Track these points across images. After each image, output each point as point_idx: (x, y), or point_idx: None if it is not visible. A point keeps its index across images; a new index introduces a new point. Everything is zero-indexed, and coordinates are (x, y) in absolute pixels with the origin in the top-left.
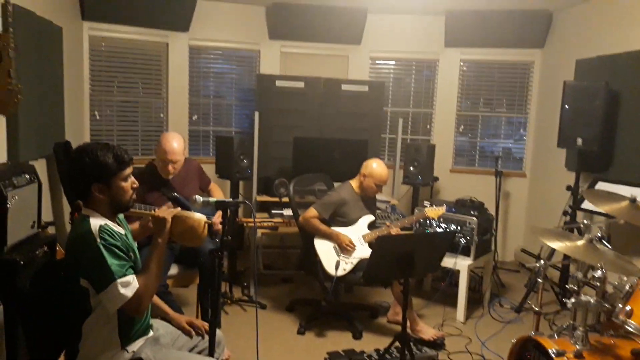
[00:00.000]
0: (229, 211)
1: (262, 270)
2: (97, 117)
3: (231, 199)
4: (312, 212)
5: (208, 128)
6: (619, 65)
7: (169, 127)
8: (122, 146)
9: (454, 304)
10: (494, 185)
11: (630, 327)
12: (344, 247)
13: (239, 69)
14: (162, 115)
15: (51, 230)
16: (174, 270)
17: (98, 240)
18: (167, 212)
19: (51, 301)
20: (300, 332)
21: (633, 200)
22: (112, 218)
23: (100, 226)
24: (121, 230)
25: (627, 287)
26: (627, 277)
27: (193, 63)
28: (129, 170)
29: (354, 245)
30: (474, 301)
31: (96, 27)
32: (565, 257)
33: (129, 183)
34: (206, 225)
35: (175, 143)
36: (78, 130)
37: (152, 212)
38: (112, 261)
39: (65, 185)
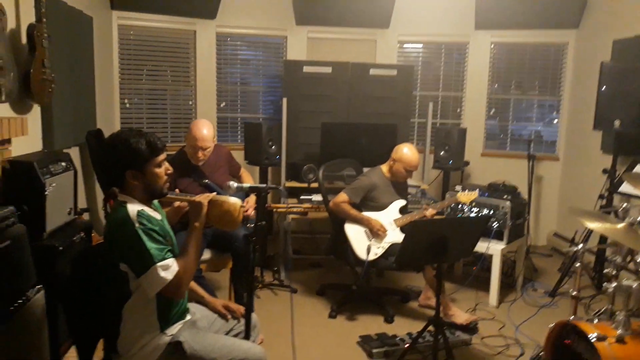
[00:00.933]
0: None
1: (292, 255)
2: (127, 106)
3: (264, 185)
4: (342, 196)
5: (236, 115)
6: None
7: (198, 114)
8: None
9: (486, 288)
10: (525, 169)
11: None
12: (376, 232)
13: (265, 55)
14: (190, 102)
15: (85, 216)
16: (206, 255)
17: (136, 224)
18: (203, 196)
19: (91, 286)
20: (332, 316)
21: None
22: (148, 204)
23: (138, 211)
24: (157, 216)
25: None
26: None
27: (220, 50)
28: (162, 156)
29: (386, 230)
30: (507, 286)
31: (125, 16)
32: (602, 241)
33: (163, 169)
34: (242, 209)
35: (205, 130)
36: (109, 119)
37: (189, 197)
38: (151, 245)
39: (98, 173)
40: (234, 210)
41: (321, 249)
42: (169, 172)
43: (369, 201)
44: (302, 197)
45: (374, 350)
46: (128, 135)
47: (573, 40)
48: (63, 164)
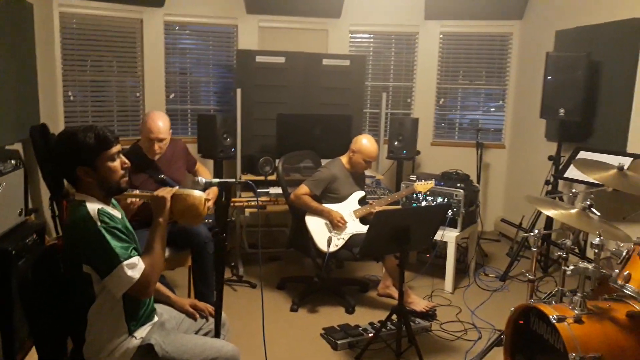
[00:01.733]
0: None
1: (247, 249)
2: (72, 98)
3: (234, 179)
4: (303, 189)
5: (186, 106)
6: (599, 36)
7: (146, 106)
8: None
9: (440, 275)
10: (474, 157)
11: (629, 290)
12: (336, 224)
13: (215, 45)
14: (138, 94)
15: (33, 217)
16: (165, 252)
17: (98, 223)
18: (166, 190)
19: (53, 290)
20: (294, 310)
21: (621, 168)
22: (107, 202)
23: (99, 209)
24: (118, 214)
25: (624, 253)
26: (622, 243)
27: (169, 39)
28: (115, 148)
29: (346, 222)
30: (460, 271)
31: (66, 3)
32: (547, 226)
33: (118, 163)
34: (207, 202)
35: (161, 122)
36: (53, 113)
37: (149, 192)
38: (115, 244)
39: (43, 170)
40: (199, 204)
41: (278, 243)
42: (125, 165)
43: (330, 193)
44: (258, 190)
45: (339, 342)
46: (76, 130)
47: (517, 30)
48: (12, 161)
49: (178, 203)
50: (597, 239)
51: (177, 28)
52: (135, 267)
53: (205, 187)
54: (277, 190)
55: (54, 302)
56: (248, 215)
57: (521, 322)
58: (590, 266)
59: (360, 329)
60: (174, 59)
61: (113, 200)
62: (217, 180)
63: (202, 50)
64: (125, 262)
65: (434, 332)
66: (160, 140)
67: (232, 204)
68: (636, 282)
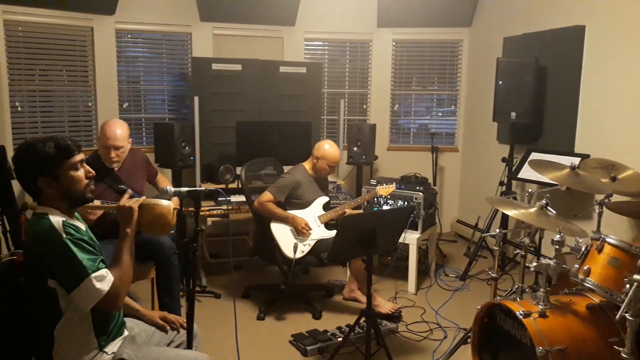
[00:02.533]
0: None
1: (209, 259)
2: (19, 109)
3: (204, 188)
4: (267, 195)
5: (140, 115)
6: (545, 42)
7: (98, 116)
8: None
9: (403, 277)
10: (430, 161)
11: (589, 284)
12: (300, 230)
13: (169, 53)
14: (90, 104)
15: None
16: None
17: (64, 235)
18: (133, 200)
19: (14, 309)
20: (260, 318)
21: (573, 168)
22: (70, 214)
23: (63, 221)
24: (82, 226)
25: (583, 248)
26: (581, 238)
27: (121, 47)
28: (77, 157)
29: (310, 228)
30: (421, 272)
31: (11, 10)
32: (503, 225)
33: (82, 172)
34: (175, 212)
35: (119, 130)
36: None
37: (114, 204)
38: (82, 256)
39: None
40: (168, 214)
41: (240, 251)
42: (90, 174)
43: (294, 199)
44: (220, 198)
45: (309, 348)
46: (35, 141)
47: (467, 37)
48: None
49: (146, 213)
50: (558, 236)
51: (129, 36)
52: (104, 279)
53: (174, 197)
54: (239, 198)
55: (16, 322)
56: (210, 225)
57: (485, 320)
58: (552, 262)
59: (328, 333)
60: (126, 68)
61: (76, 214)
62: (186, 189)
63: (155, 58)
64: (93, 275)
65: (401, 334)
66: (117, 147)
67: (190, 214)
68: (596, 275)
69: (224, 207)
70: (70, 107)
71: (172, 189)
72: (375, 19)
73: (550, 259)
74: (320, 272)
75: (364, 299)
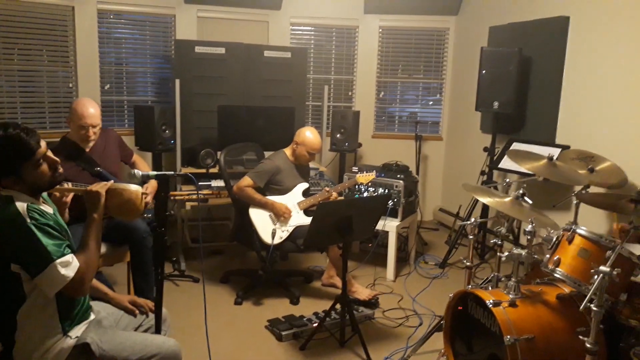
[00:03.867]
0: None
1: (190, 244)
2: None
3: (173, 172)
4: (246, 180)
5: (122, 97)
6: (530, 32)
7: (79, 97)
8: (28, 119)
9: (383, 264)
10: (413, 149)
11: (558, 274)
12: (281, 215)
13: (153, 35)
14: (70, 85)
15: None
16: (102, 249)
17: (28, 220)
18: (100, 185)
19: None
20: (238, 303)
21: (550, 159)
22: (37, 197)
23: (28, 205)
24: (49, 209)
25: (554, 239)
26: (553, 229)
27: (102, 28)
28: (39, 153)
29: (290, 213)
30: (401, 260)
31: None
32: (483, 214)
33: (45, 166)
34: (144, 196)
35: (92, 108)
36: None
37: (84, 187)
38: (47, 241)
39: None
40: (136, 199)
41: (221, 236)
42: (55, 164)
43: (273, 185)
44: (200, 183)
45: (283, 333)
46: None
47: (453, 26)
48: None
49: (114, 198)
50: (530, 226)
51: (111, 17)
52: (69, 265)
53: (142, 181)
54: (219, 183)
55: None
56: (189, 209)
57: (460, 307)
58: (523, 252)
59: (304, 319)
60: (108, 49)
61: (44, 195)
62: (155, 172)
63: (138, 40)
64: (58, 261)
65: (377, 320)
66: (94, 125)
67: (172, 198)
68: (565, 266)
69: (203, 191)
70: (50, 87)
71: (141, 172)
72: (362, 4)
73: (523, 248)
74: (300, 258)
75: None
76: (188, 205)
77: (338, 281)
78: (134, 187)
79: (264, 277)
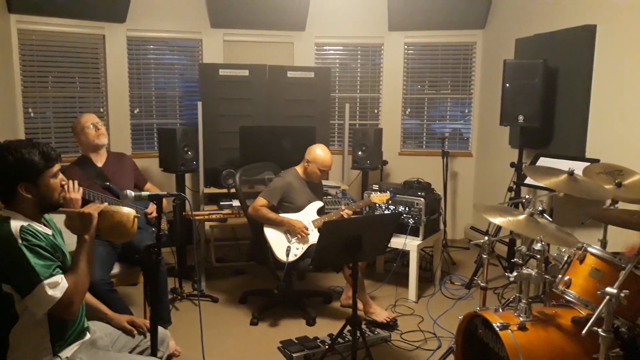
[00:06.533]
0: (171, 205)
1: (215, 263)
2: (32, 115)
3: (165, 192)
4: (260, 201)
5: (151, 121)
6: (556, 43)
7: (110, 121)
8: (61, 144)
9: (406, 284)
10: (441, 166)
11: (569, 296)
12: (298, 232)
13: (181, 59)
14: (102, 109)
15: None
16: (116, 269)
17: (19, 241)
18: (93, 207)
19: None
20: (254, 323)
21: (571, 173)
22: (38, 218)
23: (22, 227)
24: (47, 231)
25: (565, 258)
26: (565, 248)
27: (132, 54)
28: (57, 167)
29: (308, 230)
30: (426, 280)
31: (25, 20)
32: (512, 231)
33: (58, 180)
34: (136, 219)
35: (91, 114)
36: (11, 129)
37: (77, 210)
38: (36, 262)
39: None
40: (127, 222)
41: (244, 256)
42: (63, 183)
43: (285, 202)
44: (222, 203)
45: (294, 355)
46: (19, 145)
47: (480, 40)
48: None
49: (105, 220)
50: (539, 244)
51: (140, 43)
52: (57, 286)
53: (134, 200)
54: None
55: None
56: (215, 229)
57: (480, 331)
58: (533, 272)
59: (318, 341)
60: (138, 74)
61: (47, 216)
62: (147, 193)
63: (167, 65)
64: (46, 281)
65: (393, 343)
66: (97, 122)
67: (192, 218)
68: (576, 287)
69: (223, 211)
70: (83, 112)
71: (132, 193)
72: (387, 22)
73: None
74: (320, 278)
75: (362, 306)
76: (207, 225)
77: (357, 302)
78: (125, 210)
79: (280, 297)
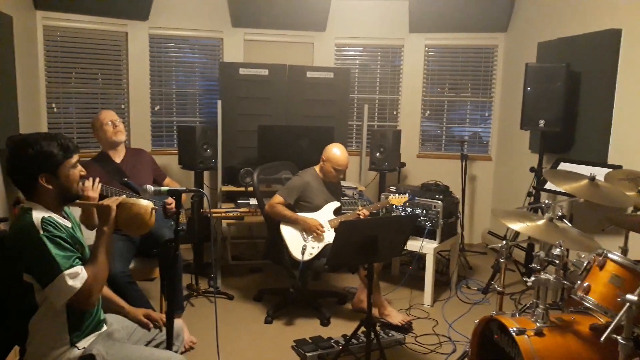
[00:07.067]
0: (189, 202)
1: (231, 261)
2: (55, 110)
3: (184, 188)
4: (277, 198)
5: (172, 118)
6: (579, 47)
7: (131, 118)
8: (83, 139)
9: (422, 287)
10: (460, 169)
11: (588, 302)
12: (314, 231)
13: (202, 58)
14: (123, 106)
15: (4, 226)
16: (132, 264)
17: (41, 232)
18: (112, 200)
19: None
20: (268, 322)
21: (592, 179)
22: (58, 210)
23: (43, 218)
24: (67, 223)
25: (584, 264)
26: (585, 253)
27: (154, 52)
28: (75, 157)
29: (324, 228)
30: (442, 284)
31: (50, 17)
32: (530, 237)
33: (77, 171)
34: (153, 211)
35: (110, 111)
36: (34, 124)
37: (97, 202)
38: (57, 252)
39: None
40: (145, 213)
41: (260, 254)
42: (82, 174)
43: (303, 201)
44: (239, 201)
45: (308, 354)
46: (38, 138)
47: (502, 43)
48: None
49: (123, 212)
50: (558, 250)
51: (162, 41)
52: (77, 276)
53: (154, 195)
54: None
55: None
56: (232, 227)
57: (497, 336)
58: (551, 277)
59: (332, 341)
60: (159, 71)
61: (66, 209)
62: (166, 188)
63: (187, 63)
64: (66, 272)
65: (407, 345)
66: (115, 119)
67: (210, 215)
68: (596, 294)
69: (240, 209)
70: (104, 108)
71: (152, 188)
72: (407, 24)
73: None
74: (335, 278)
75: (375, 310)
76: (223, 222)
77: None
78: (143, 202)
79: (295, 296)
